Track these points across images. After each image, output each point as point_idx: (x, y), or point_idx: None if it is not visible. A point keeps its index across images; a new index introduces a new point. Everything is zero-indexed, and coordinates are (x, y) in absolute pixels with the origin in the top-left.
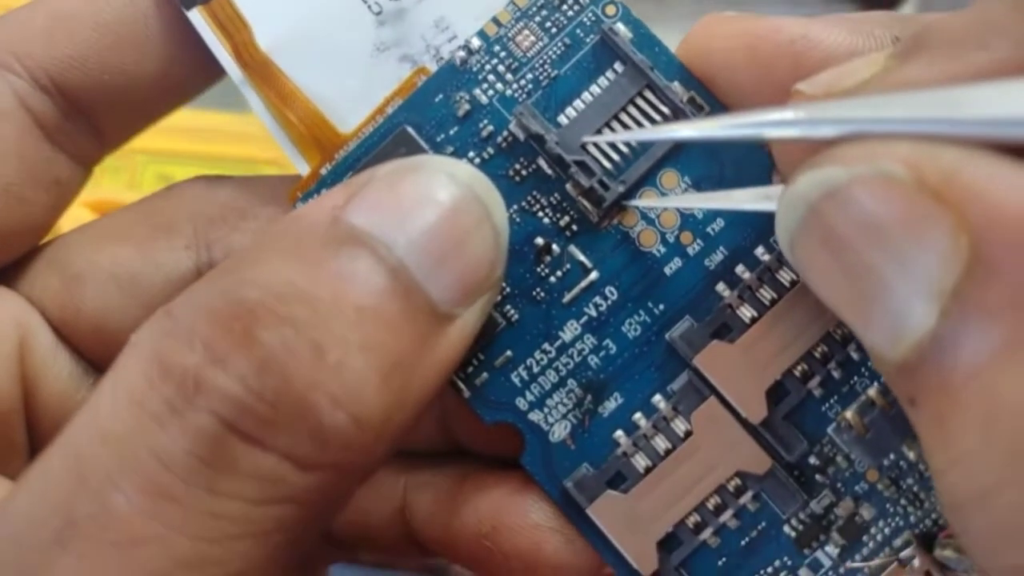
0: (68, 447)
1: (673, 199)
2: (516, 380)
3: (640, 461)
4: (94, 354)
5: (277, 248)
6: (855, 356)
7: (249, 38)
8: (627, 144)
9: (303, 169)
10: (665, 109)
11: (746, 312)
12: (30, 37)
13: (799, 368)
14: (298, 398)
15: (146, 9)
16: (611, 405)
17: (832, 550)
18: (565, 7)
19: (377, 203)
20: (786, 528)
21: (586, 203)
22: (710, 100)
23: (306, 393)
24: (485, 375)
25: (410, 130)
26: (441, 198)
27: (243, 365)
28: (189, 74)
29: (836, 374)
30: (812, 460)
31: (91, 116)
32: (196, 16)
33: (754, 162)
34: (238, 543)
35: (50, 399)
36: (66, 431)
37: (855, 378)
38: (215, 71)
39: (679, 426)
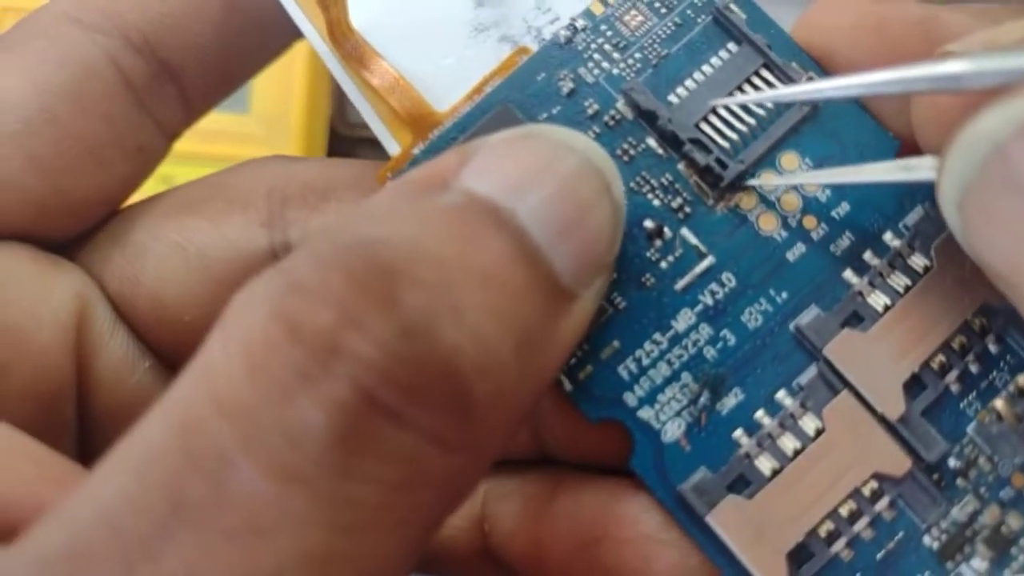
0: (173, 416)
1: (800, 175)
2: (624, 373)
3: (765, 463)
4: (151, 333)
5: (394, 209)
6: (993, 349)
7: (343, 14)
8: (745, 123)
9: (393, 149)
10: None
11: (878, 300)
12: None
13: (936, 360)
14: (444, 366)
15: None
16: (731, 402)
17: (979, 563)
18: None
19: (493, 169)
20: (926, 538)
21: (701, 183)
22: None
23: (451, 360)
24: (590, 367)
25: (512, 107)
26: (559, 167)
27: (386, 328)
28: (274, 34)
29: (974, 368)
30: (952, 462)
31: (181, 79)
32: None
33: (877, 142)
34: (373, 535)
35: (104, 378)
36: (169, 397)
37: (994, 372)
38: (298, 32)
39: (808, 424)
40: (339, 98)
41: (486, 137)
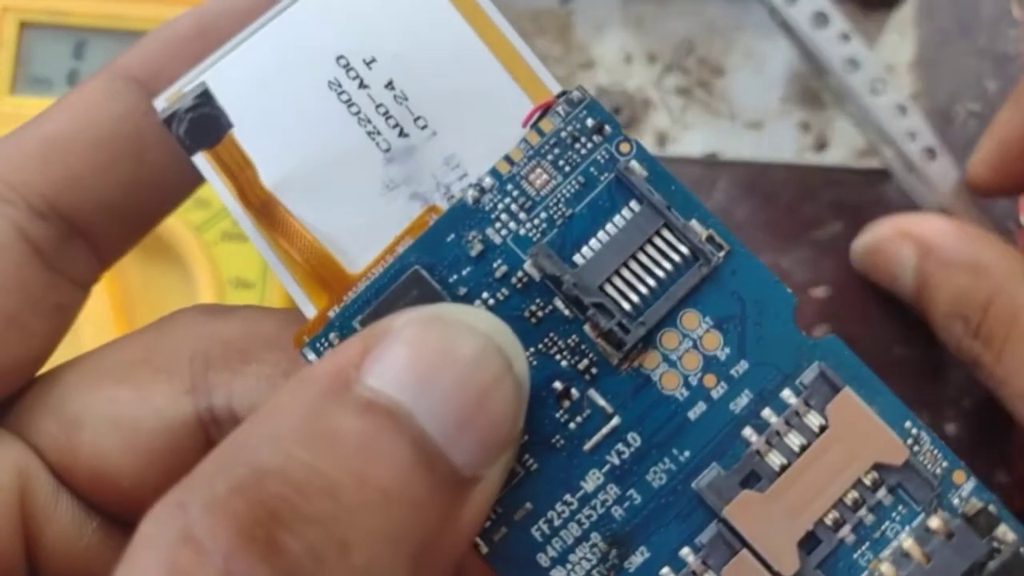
0: None
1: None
2: (537, 535)
3: None
4: (95, 497)
5: (292, 421)
6: (886, 501)
7: (253, 177)
8: (646, 284)
9: (309, 312)
10: (684, 248)
11: (775, 459)
12: (23, 164)
13: (830, 516)
14: None
15: (139, 121)
16: (637, 560)
17: None
18: (578, 145)
19: (395, 362)
20: None
21: (606, 345)
22: (729, 238)
23: None
24: (504, 530)
25: (422, 271)
26: (462, 354)
27: None
28: (180, 179)
29: (868, 519)
30: None
31: (89, 235)
32: (200, 160)
33: (776, 298)
34: None
35: (54, 546)
36: None
37: (887, 523)
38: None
39: None
40: None
41: (390, 319)
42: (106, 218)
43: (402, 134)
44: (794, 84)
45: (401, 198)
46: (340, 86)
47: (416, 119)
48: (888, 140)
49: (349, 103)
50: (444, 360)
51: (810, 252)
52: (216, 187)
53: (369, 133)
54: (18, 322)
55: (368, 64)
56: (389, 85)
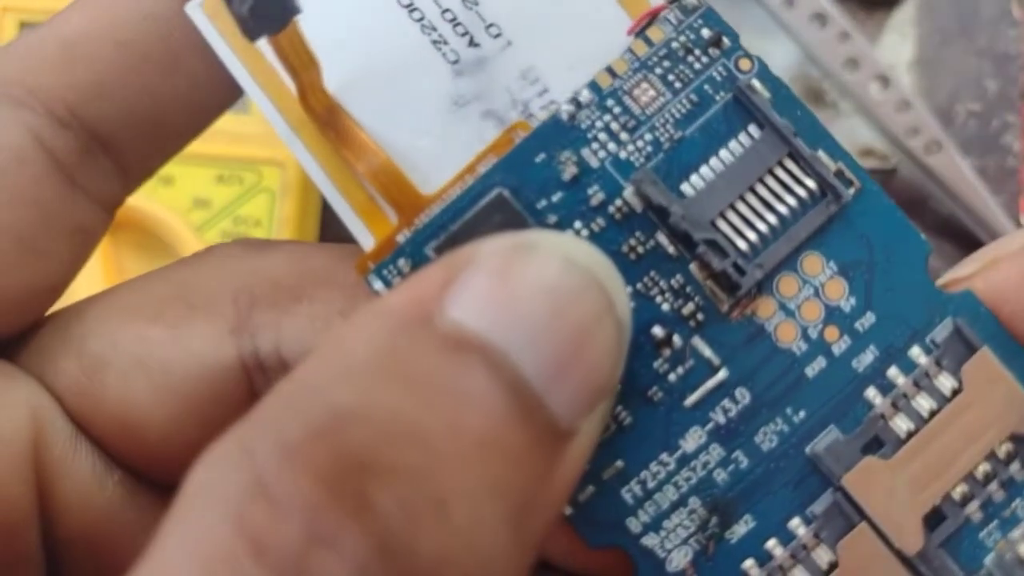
0: None
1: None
2: (628, 497)
3: None
4: (118, 448)
5: (370, 357)
6: (1019, 477)
7: (317, 77)
8: (766, 221)
9: (366, 242)
10: (810, 182)
11: (901, 424)
12: (44, 67)
13: (958, 490)
14: None
15: (169, 22)
16: (741, 529)
17: None
18: (691, 59)
19: (484, 294)
20: None
21: (715, 288)
22: (860, 173)
23: (435, 570)
24: (591, 489)
25: (507, 195)
26: (560, 287)
27: (360, 545)
28: (217, 92)
29: (997, 496)
30: None
31: (114, 149)
32: (235, 62)
33: (909, 244)
34: None
35: (70, 501)
36: None
37: (1017, 500)
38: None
39: (822, 556)
40: None
41: (475, 246)
42: (133, 130)
43: (472, 43)
44: (794, 84)
45: (472, 116)
46: None
47: (488, 26)
48: (892, 136)
49: (411, 7)
50: (540, 293)
51: None
52: (254, 95)
53: (435, 43)
54: (33, 243)
55: None
56: None
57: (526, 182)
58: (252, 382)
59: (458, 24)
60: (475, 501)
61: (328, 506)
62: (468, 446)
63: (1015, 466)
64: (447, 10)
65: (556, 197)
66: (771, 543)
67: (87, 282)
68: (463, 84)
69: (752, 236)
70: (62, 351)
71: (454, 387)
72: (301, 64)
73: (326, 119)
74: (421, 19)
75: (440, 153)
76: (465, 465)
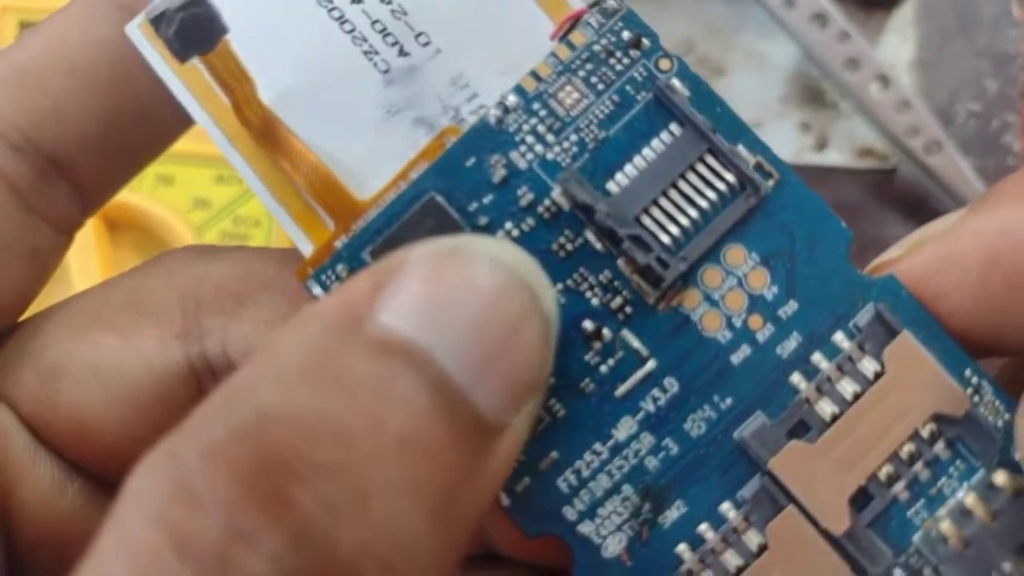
0: None
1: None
2: (563, 486)
3: None
4: (75, 454)
5: (298, 360)
6: (943, 455)
7: (252, 91)
8: (688, 215)
9: (306, 248)
10: (730, 176)
11: (825, 408)
12: None
13: (884, 471)
14: (345, 571)
15: (120, 47)
16: (673, 514)
17: None
18: (613, 60)
19: (410, 297)
20: None
21: (641, 282)
22: (779, 165)
23: (354, 564)
24: (527, 480)
25: (439, 198)
26: (484, 288)
27: (278, 540)
28: (172, 113)
29: (923, 476)
30: (898, 572)
31: (72, 173)
32: (174, 79)
33: (829, 232)
34: None
35: (30, 508)
36: None
37: (943, 479)
38: None
39: (752, 539)
40: None
41: (406, 251)
42: (89, 154)
43: (402, 53)
44: (794, 84)
45: (404, 123)
46: (331, 1)
47: (417, 35)
48: (892, 136)
49: (341, 20)
50: (464, 294)
51: None
52: (191, 109)
53: (366, 53)
54: None
55: None
56: None
57: (457, 185)
58: (202, 384)
59: (388, 34)
60: (395, 494)
61: (246, 503)
62: (390, 442)
63: (939, 446)
64: (377, 20)
65: (487, 199)
66: (703, 527)
67: (87, 282)
68: (394, 92)
69: (675, 230)
70: (18, 363)
71: (378, 387)
72: (234, 80)
73: (262, 131)
74: (352, 30)
75: (374, 160)
76: (386, 460)
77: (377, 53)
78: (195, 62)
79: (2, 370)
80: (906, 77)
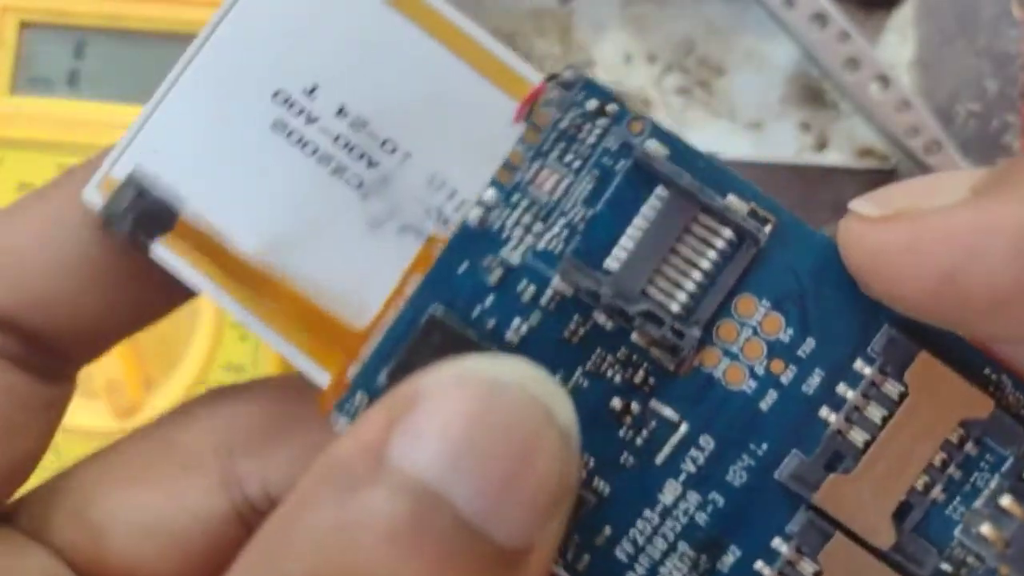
0: None
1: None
2: (622, 556)
3: None
4: None
5: (321, 516)
6: (973, 453)
7: (225, 246)
8: (692, 278)
9: (322, 380)
10: (727, 232)
11: (857, 436)
12: None
13: (921, 481)
14: None
15: (104, 243)
16: (729, 559)
17: None
18: (583, 134)
19: (423, 435)
20: None
21: (659, 353)
22: (772, 207)
23: None
24: (587, 558)
25: (439, 315)
26: (496, 413)
27: None
28: (161, 295)
29: (957, 475)
30: (944, 566)
31: (57, 349)
32: (162, 251)
33: (832, 267)
34: None
35: None
36: None
37: (975, 474)
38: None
39: (807, 568)
40: None
41: (415, 381)
42: (73, 336)
43: (371, 164)
44: (794, 84)
45: (390, 234)
46: (286, 126)
47: (382, 143)
48: (892, 136)
49: (302, 143)
50: (476, 426)
51: None
52: (186, 276)
53: (334, 172)
54: (9, 424)
55: (310, 93)
56: (341, 112)
57: (456, 295)
58: (249, 525)
59: (353, 148)
60: None
61: None
62: None
63: (968, 445)
64: (338, 136)
65: (489, 302)
66: (759, 564)
67: None
68: (374, 205)
69: (683, 297)
70: (64, 518)
71: (401, 535)
72: (206, 241)
73: (248, 282)
74: (315, 152)
75: (369, 278)
76: None
77: (346, 169)
78: (161, 244)
79: (47, 523)
80: (906, 77)
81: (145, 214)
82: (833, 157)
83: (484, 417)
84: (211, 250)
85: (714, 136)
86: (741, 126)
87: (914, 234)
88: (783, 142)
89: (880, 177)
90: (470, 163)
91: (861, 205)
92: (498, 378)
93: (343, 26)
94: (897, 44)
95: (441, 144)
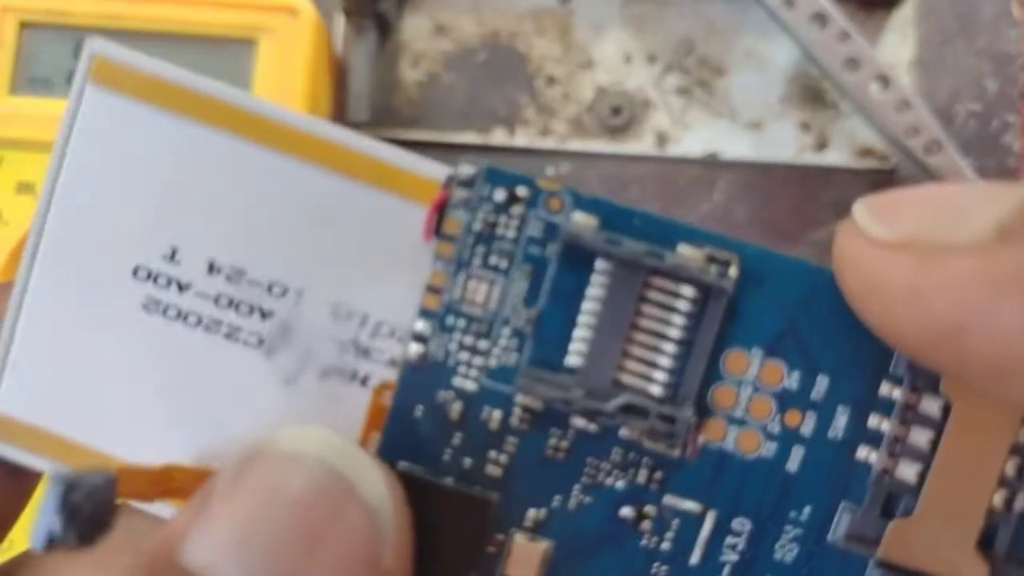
0: None
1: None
2: None
3: None
4: None
5: None
6: None
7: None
8: (664, 353)
9: None
10: (687, 289)
11: (908, 470)
12: None
13: (997, 498)
14: None
15: None
16: None
17: None
18: (501, 229)
19: (216, 524)
20: None
21: (656, 443)
22: (730, 244)
23: None
24: None
25: (406, 468)
26: (286, 495)
27: None
28: None
29: None
30: None
31: None
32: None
33: (820, 289)
34: None
35: None
36: None
37: None
38: None
39: None
40: (340, 98)
41: (215, 475)
42: None
43: (264, 315)
44: (794, 84)
45: (311, 383)
46: (159, 303)
47: (269, 288)
48: (892, 136)
49: (182, 316)
50: (267, 508)
51: (810, 252)
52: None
53: (228, 336)
54: None
55: (171, 258)
56: (212, 268)
57: (420, 443)
58: None
59: (239, 304)
60: None
61: None
62: None
63: None
64: (218, 296)
65: (456, 440)
66: None
67: None
68: (281, 360)
69: (661, 376)
70: None
71: None
72: (158, 490)
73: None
74: (199, 321)
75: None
76: None
77: (240, 329)
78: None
79: None
80: (906, 77)
81: (86, 521)
82: (833, 157)
83: (274, 495)
84: (160, 488)
85: (714, 136)
86: (741, 126)
87: (921, 277)
88: (783, 142)
89: (880, 177)
90: (370, 279)
91: (864, 216)
92: (295, 452)
93: (182, 171)
94: (897, 44)
95: (332, 269)
